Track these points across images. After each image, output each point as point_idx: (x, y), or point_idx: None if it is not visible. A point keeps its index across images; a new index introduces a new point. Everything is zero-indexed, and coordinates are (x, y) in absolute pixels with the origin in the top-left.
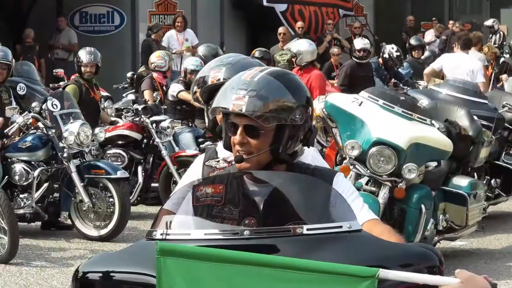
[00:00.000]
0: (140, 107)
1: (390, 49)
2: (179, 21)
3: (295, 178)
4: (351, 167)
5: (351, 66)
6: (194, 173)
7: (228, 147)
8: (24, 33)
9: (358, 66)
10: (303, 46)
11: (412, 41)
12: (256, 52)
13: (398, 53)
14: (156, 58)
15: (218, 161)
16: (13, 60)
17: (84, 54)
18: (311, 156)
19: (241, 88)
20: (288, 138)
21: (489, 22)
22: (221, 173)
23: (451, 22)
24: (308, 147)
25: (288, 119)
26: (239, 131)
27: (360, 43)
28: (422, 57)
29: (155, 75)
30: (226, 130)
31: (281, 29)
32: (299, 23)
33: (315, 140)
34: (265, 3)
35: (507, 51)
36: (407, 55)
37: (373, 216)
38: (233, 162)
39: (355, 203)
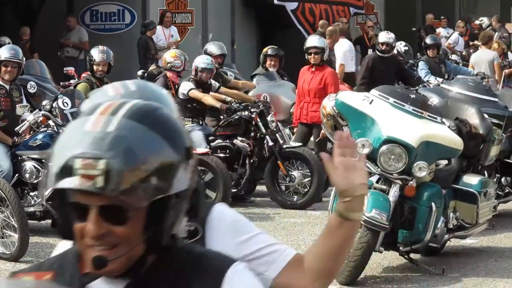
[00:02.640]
0: None
1: (398, 45)
2: (168, 16)
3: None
4: None
5: (373, 58)
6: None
7: (70, 237)
8: (20, 30)
9: (380, 60)
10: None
11: (428, 40)
12: (269, 50)
13: (406, 48)
14: (172, 57)
15: None
16: (24, 59)
17: (96, 53)
18: (220, 222)
19: (89, 148)
20: (171, 215)
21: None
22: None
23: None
24: (197, 216)
25: (169, 186)
26: (91, 217)
27: (383, 36)
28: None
29: (169, 74)
30: (64, 213)
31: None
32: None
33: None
34: (275, 1)
35: None
36: (418, 54)
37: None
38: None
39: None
